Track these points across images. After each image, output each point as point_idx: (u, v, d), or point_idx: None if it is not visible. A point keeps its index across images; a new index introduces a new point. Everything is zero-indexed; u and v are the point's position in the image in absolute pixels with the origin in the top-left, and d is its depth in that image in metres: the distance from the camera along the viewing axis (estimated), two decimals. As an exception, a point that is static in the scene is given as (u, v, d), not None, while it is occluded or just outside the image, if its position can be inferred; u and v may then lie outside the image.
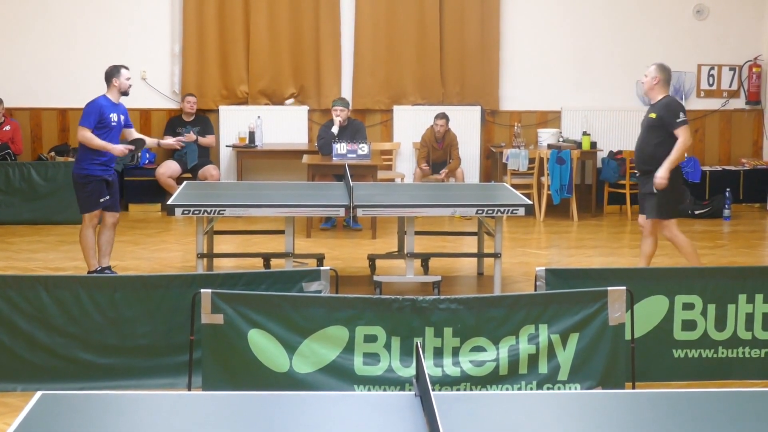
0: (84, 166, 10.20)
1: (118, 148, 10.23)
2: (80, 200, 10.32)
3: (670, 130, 9.74)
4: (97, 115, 10.14)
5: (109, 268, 10.44)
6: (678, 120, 9.73)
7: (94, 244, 10.27)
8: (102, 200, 10.26)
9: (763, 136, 15.90)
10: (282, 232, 10.33)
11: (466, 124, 15.28)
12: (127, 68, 10.47)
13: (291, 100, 15.37)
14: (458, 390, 6.92)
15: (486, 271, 11.05)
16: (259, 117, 14.93)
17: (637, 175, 10.22)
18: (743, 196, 15.41)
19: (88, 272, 10.21)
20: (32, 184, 13.65)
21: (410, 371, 6.92)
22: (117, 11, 15.21)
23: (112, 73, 10.40)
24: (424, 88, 15.49)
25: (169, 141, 11.31)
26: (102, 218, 10.40)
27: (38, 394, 4.71)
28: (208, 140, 14.87)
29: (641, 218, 10.14)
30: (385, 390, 6.97)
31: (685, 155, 10.06)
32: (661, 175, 9.69)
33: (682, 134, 9.72)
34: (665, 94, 9.98)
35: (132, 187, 14.85)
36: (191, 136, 13.87)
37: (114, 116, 10.28)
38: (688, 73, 15.69)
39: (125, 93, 10.44)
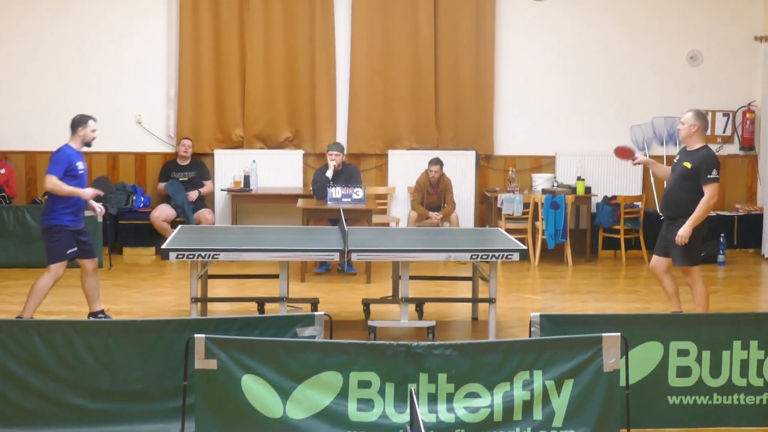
0: (53, 216, 10.11)
1: (88, 192, 10.18)
2: (48, 250, 10.16)
3: (700, 184, 9.80)
4: (65, 164, 10.07)
5: (102, 311, 10.42)
6: (710, 176, 9.81)
7: (45, 295, 10.19)
8: (69, 251, 10.17)
9: (757, 181, 15.92)
10: (276, 276, 10.31)
11: (460, 169, 15.30)
12: (95, 120, 10.41)
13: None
14: (452, 436, 6.90)
15: (481, 316, 11.03)
16: (254, 161, 14.94)
17: (663, 218, 10.25)
18: (737, 242, 15.40)
19: (19, 318, 9.96)
20: (27, 227, 13.62)
21: (404, 417, 6.90)
22: (113, 55, 15.24)
23: (79, 123, 10.33)
24: (418, 132, 15.52)
25: (95, 207, 10.63)
26: (82, 266, 10.35)
27: (30, 440, 4.69)
28: (206, 189, 14.88)
29: (654, 259, 10.28)
30: (379, 436, 6.94)
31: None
32: (684, 234, 9.85)
33: (709, 191, 9.83)
34: (703, 144, 10.04)
35: (126, 230, 14.84)
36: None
37: (80, 164, 10.23)
38: (682, 119, 15.71)
39: (88, 144, 10.36)
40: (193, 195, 14.60)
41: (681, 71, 15.77)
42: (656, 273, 10.35)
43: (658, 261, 10.24)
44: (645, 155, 14.49)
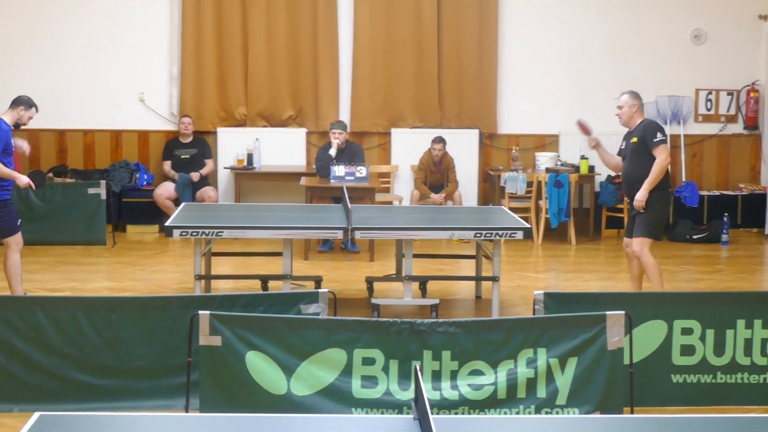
0: (4, 198, 9.86)
1: (24, 180, 9.92)
2: (3, 225, 9.89)
3: (649, 150, 9.85)
4: (3, 142, 9.76)
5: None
6: (655, 140, 9.88)
7: (20, 268, 10.03)
8: (19, 221, 10.04)
9: (760, 160, 15.91)
10: (280, 254, 10.31)
11: (464, 148, 15.29)
12: (37, 109, 10.15)
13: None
14: (456, 413, 6.90)
15: (484, 294, 11.04)
16: (257, 139, 14.93)
17: (628, 200, 10.27)
18: (741, 221, 15.40)
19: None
20: (30, 205, 13.61)
21: (408, 394, 6.91)
22: (115, 33, 15.22)
23: (24, 103, 10.03)
24: (422, 111, 15.50)
25: (23, 179, 10.07)
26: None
27: (36, 415, 4.70)
28: (206, 169, 14.85)
29: (626, 241, 10.31)
30: (382, 413, 6.95)
31: (669, 173, 10.09)
32: (640, 197, 9.89)
33: (660, 153, 9.87)
34: (643, 118, 10.11)
35: (130, 208, 14.84)
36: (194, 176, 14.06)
37: (13, 141, 9.98)
38: (686, 98, 15.70)
39: (18, 126, 10.00)
40: (195, 176, 14.60)
41: (685, 50, 15.73)
42: (627, 253, 10.38)
43: (628, 242, 10.25)
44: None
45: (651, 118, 10.18)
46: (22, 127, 10.25)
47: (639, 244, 9.99)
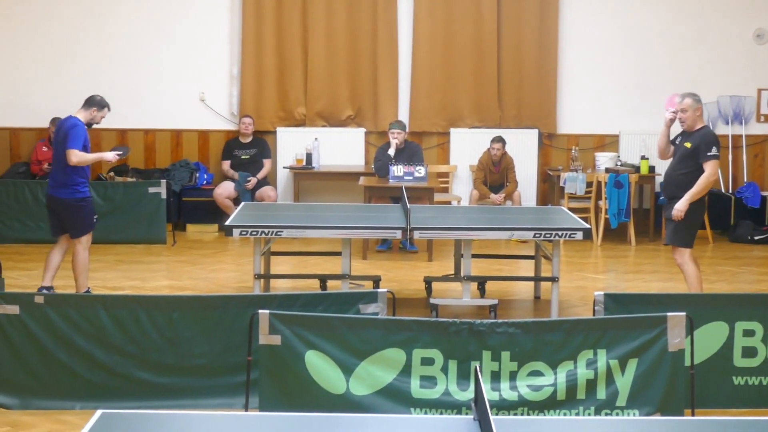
0: (79, 189, 10.11)
1: (109, 154, 10.42)
2: (76, 223, 10.15)
3: (700, 162, 9.71)
4: (83, 138, 10.07)
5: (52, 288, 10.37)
6: (709, 153, 9.70)
7: (88, 265, 10.26)
8: (95, 218, 10.31)
9: (823, 161, 15.74)
10: (338, 253, 10.34)
11: (523, 148, 15.25)
12: (110, 109, 10.47)
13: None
14: (515, 414, 6.89)
15: (543, 295, 11.00)
16: (316, 139, 14.97)
17: (665, 200, 10.17)
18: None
19: (79, 293, 10.06)
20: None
21: (467, 395, 6.90)
22: (176, 34, 15.33)
23: (97, 103, 10.31)
24: (481, 111, 15.48)
25: (108, 154, 10.65)
26: (64, 241, 10.31)
27: (98, 412, 4.74)
28: (263, 172, 14.89)
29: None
30: (441, 413, 6.94)
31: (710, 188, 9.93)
32: (680, 207, 9.73)
33: (709, 168, 9.70)
34: (703, 124, 9.97)
35: (189, 207, 14.93)
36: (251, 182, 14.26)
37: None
38: (748, 98, 15.56)
39: (90, 125, 10.30)
40: (251, 184, 14.64)
41: (747, 49, 15.58)
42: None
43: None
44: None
45: (711, 129, 9.96)
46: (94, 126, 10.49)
47: (680, 255, 9.86)
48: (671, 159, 10.09)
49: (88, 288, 10.32)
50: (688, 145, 9.82)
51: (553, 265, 9.91)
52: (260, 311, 7.00)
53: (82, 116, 10.22)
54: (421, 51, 15.41)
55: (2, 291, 8.61)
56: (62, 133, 10.09)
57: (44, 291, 9.99)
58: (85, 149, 10.08)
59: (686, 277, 9.93)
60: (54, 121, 14.47)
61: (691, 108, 9.89)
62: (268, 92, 15.37)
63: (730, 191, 15.30)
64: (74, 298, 7.73)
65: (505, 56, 15.44)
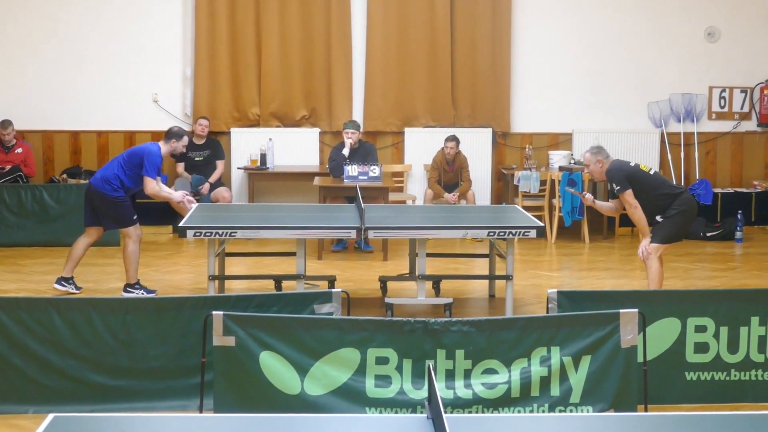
0: (117, 189, 10.68)
1: (179, 197, 10.91)
2: (118, 217, 10.76)
3: (638, 191, 9.86)
4: (159, 166, 10.65)
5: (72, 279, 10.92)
6: (617, 189, 9.91)
7: (138, 256, 10.83)
8: (135, 217, 10.82)
9: (774, 158, 15.89)
10: (293, 254, 10.33)
11: (477, 146, 15.30)
12: (190, 137, 10.76)
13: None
14: (470, 412, 6.90)
15: (497, 293, 11.04)
16: (270, 139, 14.94)
17: None
18: (755, 218, 15.36)
19: (130, 285, 10.80)
20: (44, 206, 13.67)
21: (422, 393, 6.91)
22: (128, 34, 15.26)
23: (176, 135, 10.83)
24: (435, 110, 15.50)
25: (177, 196, 11.14)
26: (92, 233, 10.92)
27: (50, 416, 4.71)
28: (215, 175, 14.84)
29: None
30: (396, 412, 6.96)
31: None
32: (643, 249, 9.90)
33: (626, 201, 9.89)
34: (608, 167, 10.04)
35: (144, 208, 14.74)
36: (204, 188, 14.37)
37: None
38: (700, 95, 15.68)
39: (174, 156, 11.12)
40: (205, 189, 14.59)
41: (698, 48, 15.70)
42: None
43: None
44: (662, 132, 14.62)
45: (614, 164, 10.04)
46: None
47: (648, 248, 9.92)
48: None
49: (138, 280, 10.84)
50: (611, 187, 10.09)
51: (507, 263, 9.95)
52: (214, 312, 6.98)
53: (164, 149, 10.79)
54: (374, 51, 15.42)
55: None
56: (140, 150, 10.76)
57: (63, 282, 10.77)
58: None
59: (648, 272, 9.99)
60: (5, 123, 14.38)
61: (591, 162, 10.08)
62: (221, 93, 15.33)
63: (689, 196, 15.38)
64: (26, 301, 7.66)
65: (459, 55, 15.47)
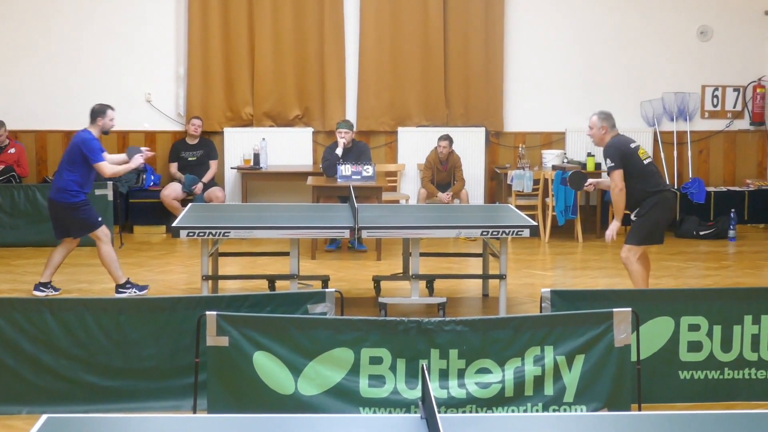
0: (75, 194, 10.56)
1: (138, 161, 10.80)
2: (82, 222, 10.63)
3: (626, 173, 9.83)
4: (100, 148, 10.55)
5: (50, 284, 10.95)
6: (609, 166, 9.87)
7: (115, 257, 10.70)
8: (100, 218, 10.71)
9: (767, 156, 15.89)
10: (287, 254, 10.33)
11: (470, 146, 15.30)
12: (113, 109, 10.75)
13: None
14: (464, 412, 6.91)
15: (491, 292, 11.04)
16: (263, 139, 14.94)
17: None
18: (748, 217, 15.38)
19: (120, 285, 10.79)
20: (37, 206, 13.64)
21: (415, 393, 6.91)
22: (122, 34, 15.24)
23: (98, 112, 10.67)
24: (428, 109, 15.51)
25: (135, 162, 11.00)
26: (69, 241, 10.87)
27: (44, 417, 4.71)
28: (208, 176, 14.85)
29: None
30: (390, 412, 6.96)
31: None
32: (611, 231, 9.97)
33: (612, 180, 9.86)
34: (610, 139, 10.00)
35: (137, 209, 14.87)
36: (197, 188, 14.50)
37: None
38: (693, 94, 15.70)
39: (106, 132, 10.76)
40: (198, 189, 14.60)
41: (691, 46, 15.72)
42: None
43: None
44: (655, 131, 14.67)
45: (616, 139, 9.97)
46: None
47: (626, 251, 9.90)
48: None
49: (128, 279, 10.84)
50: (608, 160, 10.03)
51: (501, 262, 9.95)
52: (207, 313, 6.97)
53: (93, 129, 10.66)
54: (367, 50, 15.42)
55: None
56: (73, 145, 10.60)
57: (41, 288, 10.76)
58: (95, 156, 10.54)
59: (630, 276, 9.99)
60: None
61: (595, 126, 10.04)
62: (215, 93, 15.33)
63: (676, 187, 15.42)
64: (19, 302, 7.66)
65: (452, 55, 15.48)
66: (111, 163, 10.66)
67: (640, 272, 9.87)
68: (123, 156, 11.02)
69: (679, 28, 15.69)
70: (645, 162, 9.91)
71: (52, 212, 10.77)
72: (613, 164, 9.80)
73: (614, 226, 9.93)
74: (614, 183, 9.80)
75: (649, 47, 15.66)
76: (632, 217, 9.95)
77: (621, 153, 9.83)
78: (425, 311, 10.24)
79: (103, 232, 10.62)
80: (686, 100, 15.64)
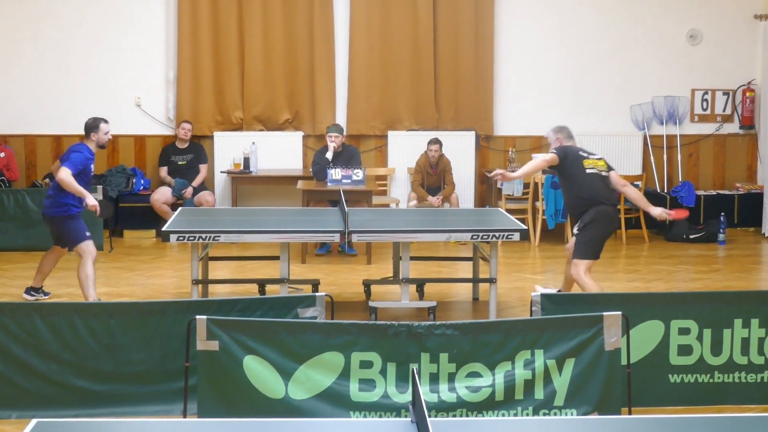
0: (64, 209, 10.30)
1: (93, 202, 10.19)
2: (69, 235, 10.37)
3: (562, 173, 10.07)
4: (83, 164, 10.20)
5: (41, 289, 10.89)
6: (551, 151, 10.13)
7: (94, 275, 10.25)
8: (87, 231, 10.38)
9: (757, 160, 15.91)
10: (277, 257, 10.32)
11: (460, 150, 15.31)
12: (106, 122, 10.51)
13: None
14: (454, 416, 6.91)
15: (481, 296, 11.04)
16: (253, 143, 14.93)
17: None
18: (738, 221, 15.40)
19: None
20: (27, 210, 13.62)
21: (406, 397, 6.91)
22: (111, 37, 15.22)
23: (91, 127, 10.43)
24: (418, 113, 15.51)
25: (91, 200, 10.33)
26: (56, 249, 10.76)
27: (34, 421, 4.70)
28: (198, 180, 14.86)
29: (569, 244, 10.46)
30: (380, 416, 6.95)
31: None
32: (499, 173, 10.19)
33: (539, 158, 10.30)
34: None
35: (127, 213, 14.85)
36: (187, 192, 14.46)
37: (93, 167, 10.45)
38: (682, 98, 15.73)
39: (102, 146, 10.54)
40: (188, 193, 14.61)
41: (681, 50, 15.75)
42: (568, 255, 10.36)
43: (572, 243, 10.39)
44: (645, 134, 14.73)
45: (565, 143, 10.28)
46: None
47: (575, 267, 9.92)
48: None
49: (98, 299, 10.35)
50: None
51: (491, 266, 9.96)
52: (198, 317, 6.97)
53: (89, 143, 10.41)
54: (357, 54, 15.42)
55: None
56: (67, 153, 10.39)
57: (32, 292, 10.71)
58: (84, 175, 10.22)
59: (584, 290, 9.78)
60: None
61: (551, 139, 10.37)
62: (204, 97, 15.31)
63: (666, 191, 15.46)
64: (9, 306, 7.64)
65: (442, 58, 15.49)
66: (77, 184, 10.10)
67: (594, 286, 9.79)
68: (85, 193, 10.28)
69: (668, 32, 15.71)
70: (587, 171, 9.95)
71: (44, 220, 10.65)
72: (554, 149, 10.13)
73: (506, 174, 10.23)
74: (541, 157, 10.24)
75: (639, 51, 15.68)
76: (574, 231, 10.07)
77: (563, 148, 10.09)
78: (415, 315, 10.23)
79: (87, 249, 10.24)
80: (676, 104, 15.67)
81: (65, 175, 10.05)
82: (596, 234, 9.92)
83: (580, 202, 9.92)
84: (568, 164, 9.93)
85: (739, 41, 15.78)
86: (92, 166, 10.42)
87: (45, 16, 15.15)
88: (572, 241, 10.24)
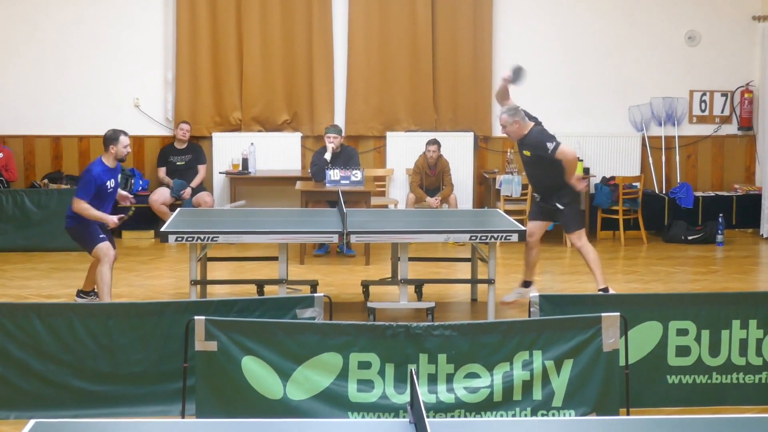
0: (73, 215, 10.15)
1: (112, 220, 10.13)
2: (83, 242, 10.22)
3: (549, 161, 10.32)
4: (94, 186, 10.00)
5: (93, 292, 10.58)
6: (550, 150, 10.29)
7: (111, 278, 10.11)
8: (101, 235, 10.16)
9: (755, 161, 15.92)
10: (275, 258, 10.32)
11: (459, 151, 15.31)
12: (126, 134, 10.28)
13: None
14: (452, 416, 6.91)
15: (479, 297, 11.04)
16: (252, 144, 14.93)
17: (538, 198, 10.82)
18: (736, 222, 15.40)
19: (84, 292, 10.51)
20: (25, 211, 13.63)
21: (404, 398, 6.91)
22: (110, 38, 15.22)
23: (110, 139, 10.21)
24: (416, 114, 15.51)
25: (111, 219, 10.29)
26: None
27: (32, 422, 4.70)
28: (197, 180, 14.85)
29: (530, 229, 10.62)
30: (379, 417, 6.96)
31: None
32: (574, 184, 10.44)
33: (564, 154, 10.31)
34: (528, 129, 10.52)
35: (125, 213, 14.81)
36: (186, 193, 14.41)
37: (110, 183, 10.20)
38: (681, 99, 15.73)
39: (122, 159, 10.31)
40: (187, 194, 14.61)
41: (679, 51, 15.75)
42: (528, 242, 10.63)
43: (536, 226, 10.75)
44: (643, 135, 14.73)
45: (537, 127, 10.58)
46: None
47: (578, 238, 10.47)
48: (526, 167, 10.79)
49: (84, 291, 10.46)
50: (527, 153, 10.54)
51: (490, 267, 9.96)
52: (196, 317, 6.97)
53: (106, 158, 10.20)
54: (356, 55, 15.42)
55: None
56: (80, 176, 10.35)
57: (82, 294, 10.51)
58: (100, 192, 10.03)
59: (588, 259, 10.50)
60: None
61: (508, 123, 10.54)
62: (203, 97, 15.31)
63: (664, 192, 15.46)
64: (7, 307, 7.64)
65: (440, 59, 15.49)
66: (94, 209, 10.03)
67: (596, 252, 10.53)
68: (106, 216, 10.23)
69: (667, 33, 15.71)
70: None
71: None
72: (553, 144, 10.32)
73: (576, 182, 10.48)
74: (569, 151, 10.37)
75: (637, 52, 15.68)
76: (559, 206, 10.50)
77: (550, 133, 10.51)
78: (414, 316, 10.23)
79: (102, 251, 10.05)
80: (674, 105, 15.67)
81: (78, 207, 9.97)
82: (578, 206, 10.70)
83: (559, 181, 10.40)
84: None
85: (738, 42, 15.78)
86: (110, 181, 10.18)
87: (43, 16, 15.15)
88: (534, 227, 10.72)
